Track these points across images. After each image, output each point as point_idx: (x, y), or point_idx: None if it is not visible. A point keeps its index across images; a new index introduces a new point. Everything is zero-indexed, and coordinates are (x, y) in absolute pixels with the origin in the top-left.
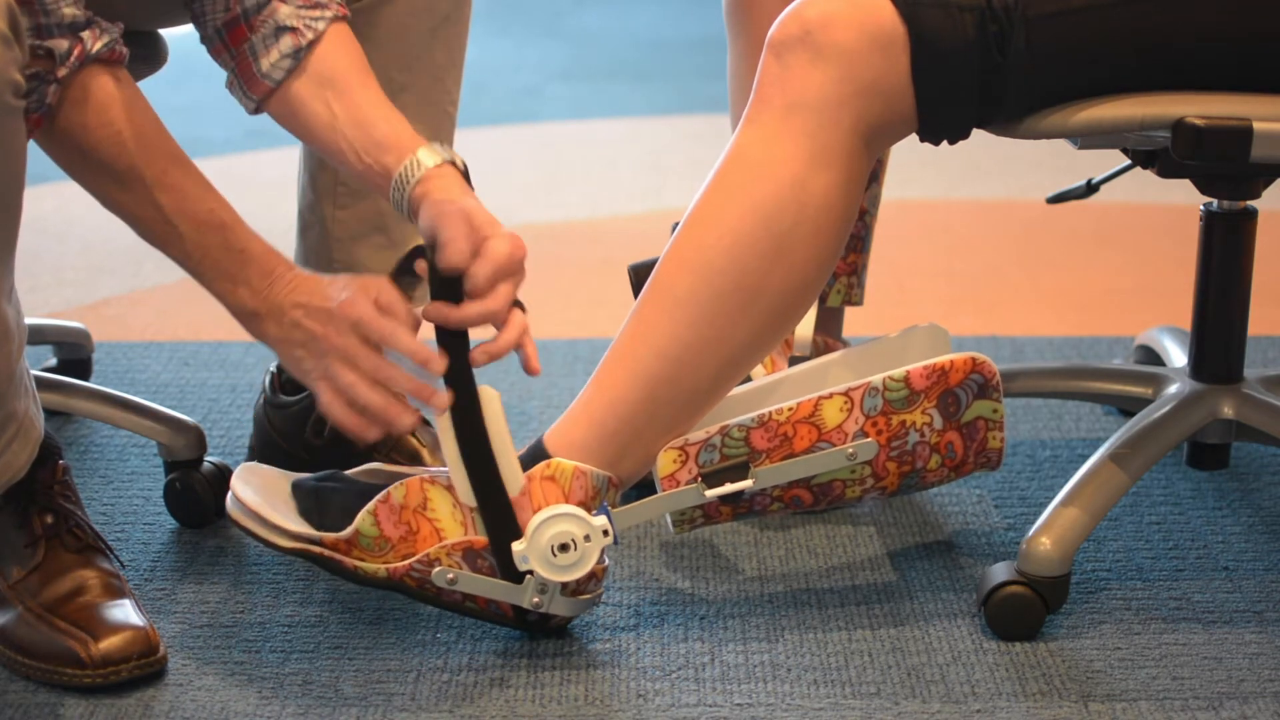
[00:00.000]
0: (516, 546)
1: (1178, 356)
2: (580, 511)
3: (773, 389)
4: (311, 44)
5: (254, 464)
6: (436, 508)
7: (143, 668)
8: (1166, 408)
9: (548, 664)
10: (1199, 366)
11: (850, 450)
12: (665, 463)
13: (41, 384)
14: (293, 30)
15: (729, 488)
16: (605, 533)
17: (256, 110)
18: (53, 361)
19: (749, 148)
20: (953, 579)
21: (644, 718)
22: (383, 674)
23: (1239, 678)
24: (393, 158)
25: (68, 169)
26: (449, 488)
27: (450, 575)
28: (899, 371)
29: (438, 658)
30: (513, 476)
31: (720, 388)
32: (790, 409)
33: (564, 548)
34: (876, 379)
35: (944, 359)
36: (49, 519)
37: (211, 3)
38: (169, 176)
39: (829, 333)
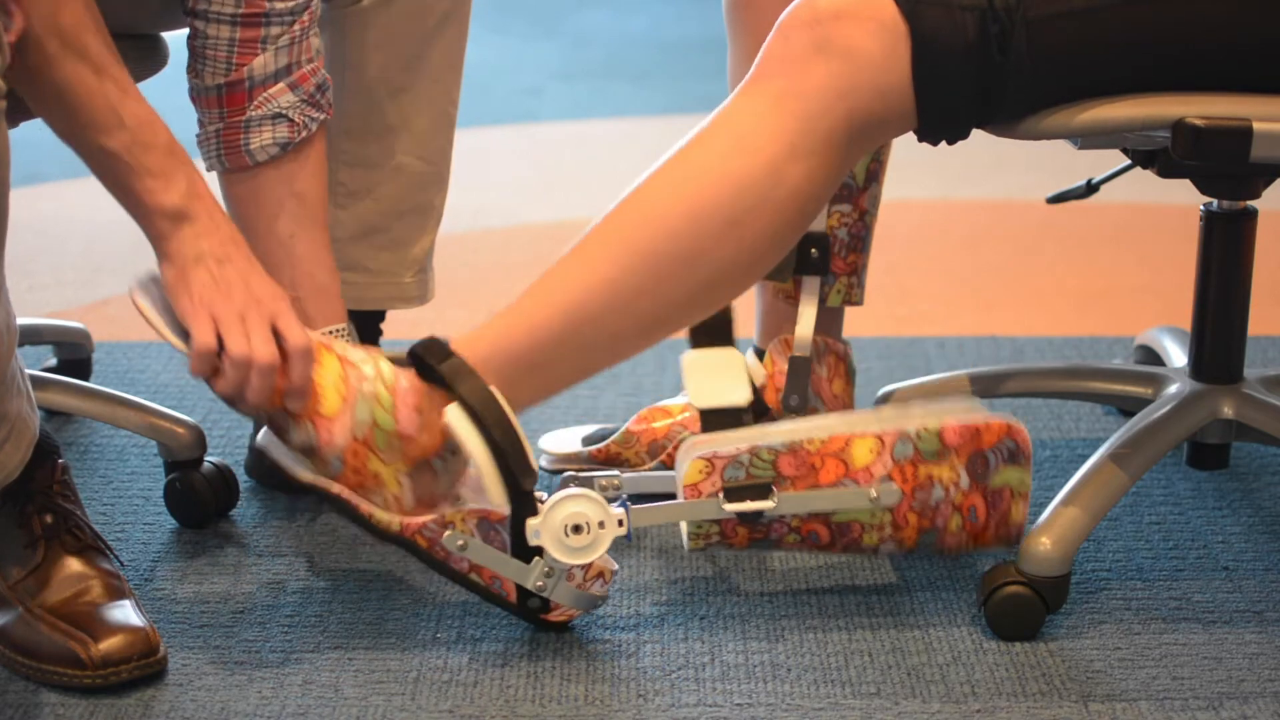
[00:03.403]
0: (531, 521)
1: (1178, 356)
2: (599, 497)
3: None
4: (304, 141)
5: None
6: (324, 371)
7: (143, 668)
8: (1166, 408)
9: (548, 664)
10: (1199, 366)
11: (874, 493)
12: (691, 471)
13: (41, 384)
14: (290, 122)
15: (749, 505)
16: (620, 523)
17: (213, 170)
18: (53, 361)
19: (736, 118)
20: (953, 579)
21: (644, 718)
22: (383, 674)
23: (1239, 678)
24: (324, 310)
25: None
26: (342, 355)
27: (461, 541)
28: (934, 424)
29: (438, 658)
30: (534, 462)
31: (640, 342)
32: (822, 441)
33: (577, 529)
34: (911, 427)
35: (980, 419)
36: (48, 519)
37: (214, 49)
38: (116, 69)
39: (829, 333)
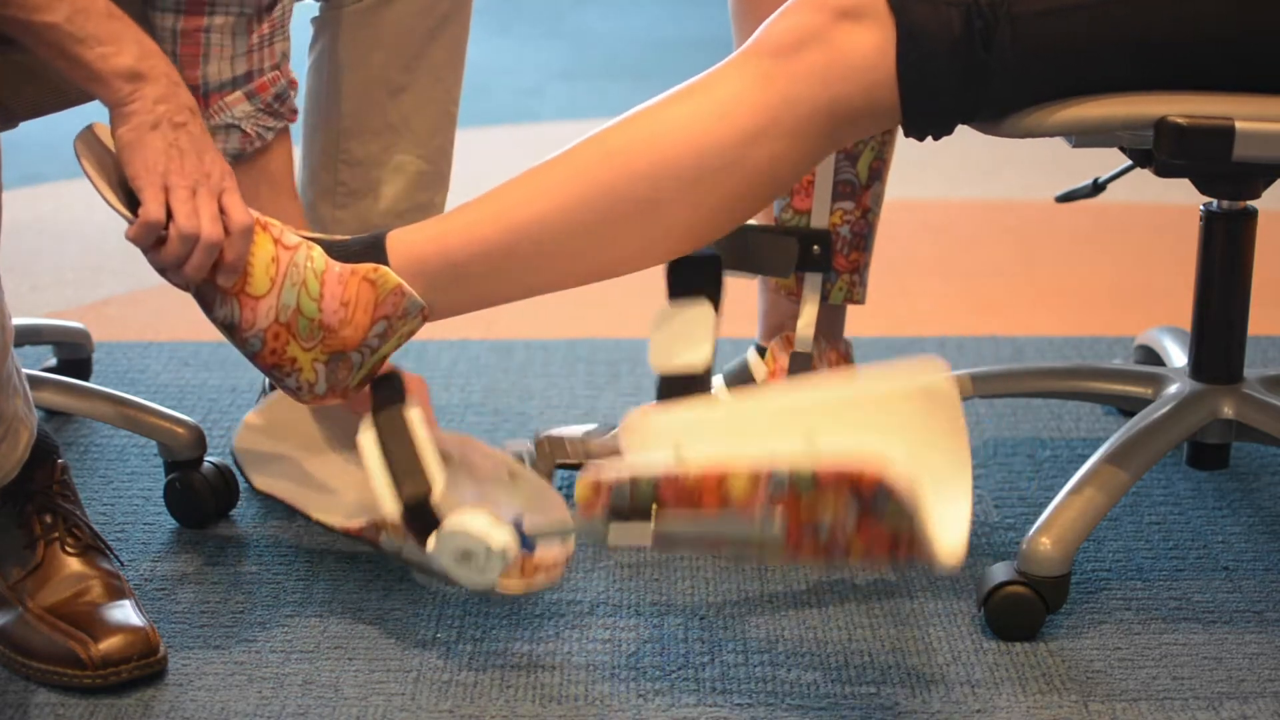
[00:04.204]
0: (428, 545)
1: (1178, 356)
2: (485, 526)
3: (745, 413)
4: (259, 151)
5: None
6: (258, 251)
7: (143, 668)
8: (1166, 408)
9: (548, 664)
10: (1199, 366)
11: (757, 520)
12: (581, 490)
13: (41, 384)
14: (243, 133)
15: (630, 536)
16: (505, 554)
17: None
18: (53, 361)
19: (721, 84)
20: (953, 579)
21: (644, 718)
22: (383, 674)
23: (1239, 678)
24: None
25: None
26: (278, 237)
27: (396, 545)
28: (807, 467)
29: (438, 658)
30: (435, 476)
31: (575, 277)
32: (699, 474)
33: (468, 556)
34: (783, 469)
35: (854, 465)
36: (48, 519)
37: (160, 43)
38: None
39: (831, 331)
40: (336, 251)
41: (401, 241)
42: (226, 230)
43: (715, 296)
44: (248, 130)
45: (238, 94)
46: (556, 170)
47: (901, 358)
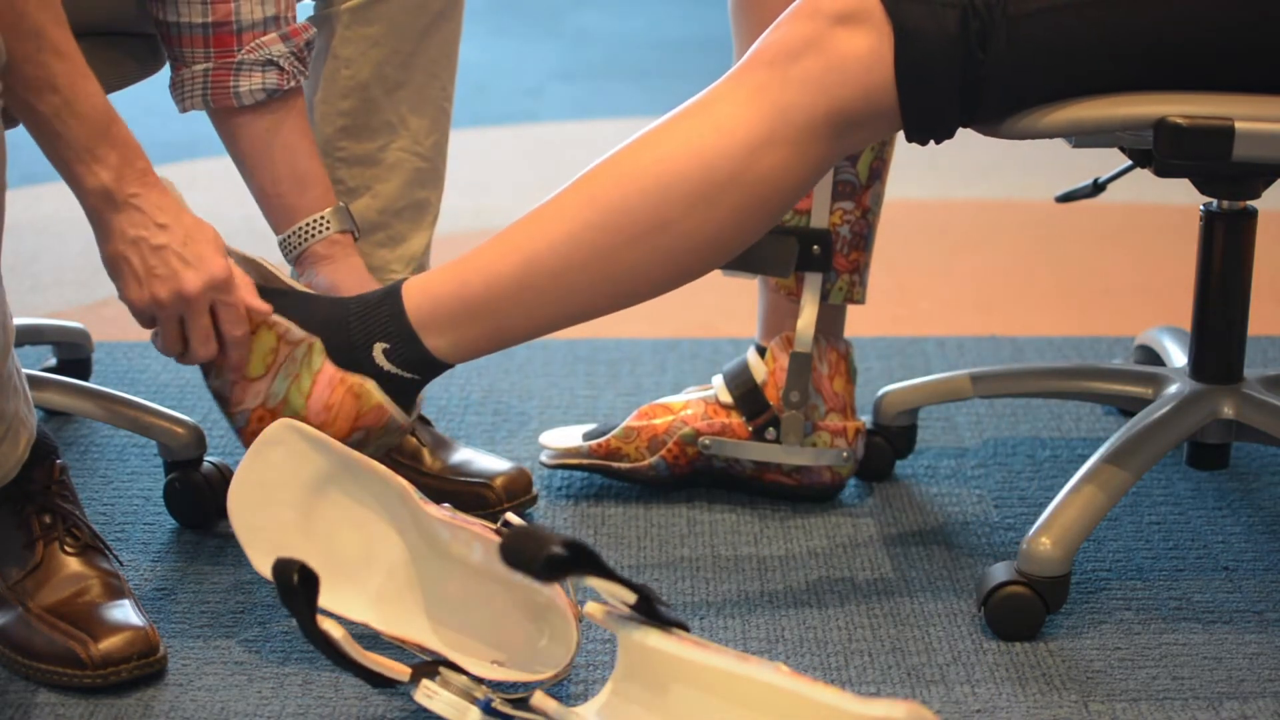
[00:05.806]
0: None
1: (1178, 356)
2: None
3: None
4: (289, 91)
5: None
6: (258, 341)
7: (143, 668)
8: (1166, 408)
9: None
10: (1199, 366)
11: None
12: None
13: (41, 384)
14: (280, 70)
15: None
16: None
17: (191, 110)
18: (53, 361)
19: (719, 99)
20: (953, 579)
21: None
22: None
23: (1239, 678)
24: (307, 200)
25: None
26: (283, 334)
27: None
28: None
29: None
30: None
31: (595, 304)
32: None
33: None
34: None
35: None
36: (47, 519)
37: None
38: (55, 38)
39: (831, 331)
40: (354, 305)
41: (417, 285)
42: (222, 341)
43: None
44: (285, 67)
45: (273, 35)
46: (565, 199)
47: (900, 358)
